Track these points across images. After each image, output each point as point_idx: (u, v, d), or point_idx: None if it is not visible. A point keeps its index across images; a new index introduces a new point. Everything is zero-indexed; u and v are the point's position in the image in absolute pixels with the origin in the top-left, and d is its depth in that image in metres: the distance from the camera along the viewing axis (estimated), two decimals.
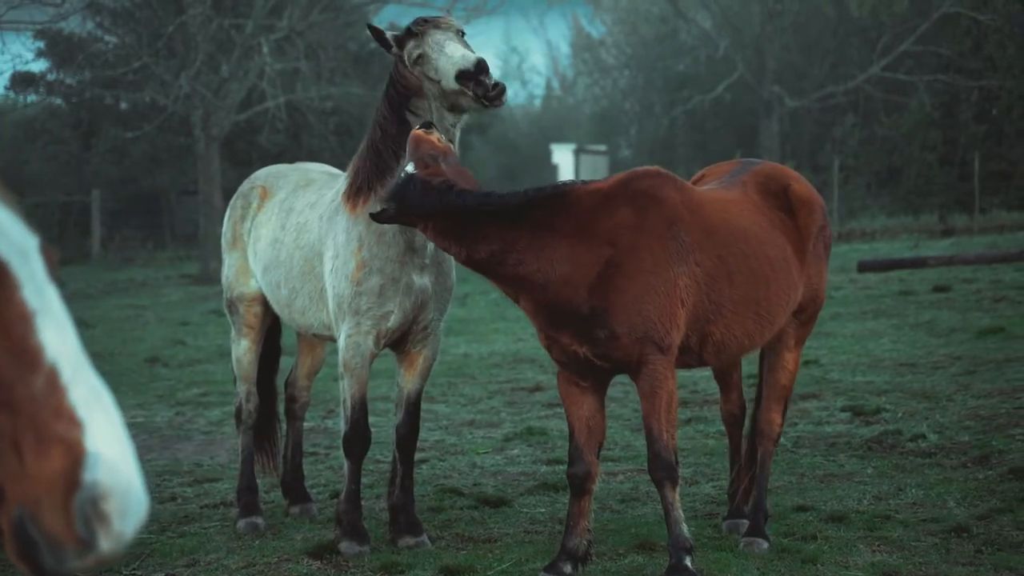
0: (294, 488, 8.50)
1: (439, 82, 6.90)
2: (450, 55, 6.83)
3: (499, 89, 6.79)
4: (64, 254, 34.63)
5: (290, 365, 8.91)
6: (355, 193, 7.29)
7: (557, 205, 6.50)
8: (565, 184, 6.68)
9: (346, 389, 7.37)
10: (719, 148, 46.05)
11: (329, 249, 7.41)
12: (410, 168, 6.48)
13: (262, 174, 8.42)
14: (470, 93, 6.76)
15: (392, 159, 7.16)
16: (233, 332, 8.39)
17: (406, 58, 7.03)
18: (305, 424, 10.94)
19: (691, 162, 46.68)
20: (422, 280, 7.25)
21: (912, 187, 38.93)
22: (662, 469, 6.60)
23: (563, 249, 6.44)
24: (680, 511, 6.66)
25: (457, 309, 21.02)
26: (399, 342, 7.49)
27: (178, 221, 39.54)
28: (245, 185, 8.41)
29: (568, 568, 6.70)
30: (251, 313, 8.23)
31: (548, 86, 66.01)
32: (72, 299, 25.51)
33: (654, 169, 6.88)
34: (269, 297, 8.01)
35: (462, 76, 6.74)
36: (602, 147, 51.96)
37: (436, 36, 6.96)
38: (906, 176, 39.90)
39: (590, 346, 6.50)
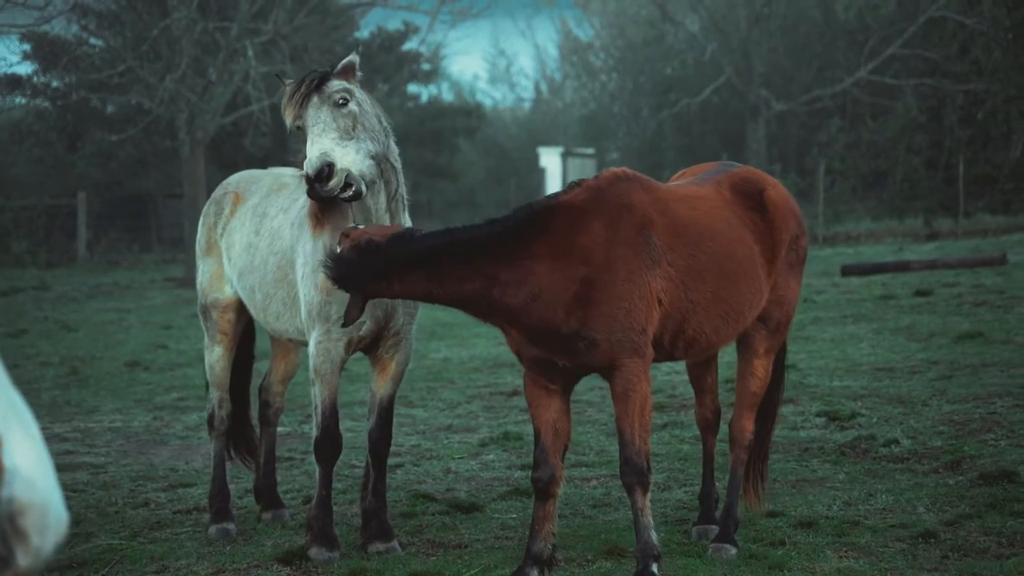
0: (267, 493, 8.50)
1: None
2: (307, 156, 6.93)
3: (348, 196, 6.93)
4: (50, 257, 34.62)
5: (264, 370, 8.90)
6: (315, 217, 7.31)
7: (531, 230, 6.48)
8: (534, 206, 6.64)
9: (317, 395, 7.41)
10: (706, 151, 46.09)
11: (300, 256, 7.44)
12: (335, 249, 6.52)
13: (234, 179, 8.43)
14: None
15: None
16: (207, 338, 8.39)
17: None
18: (281, 429, 10.96)
19: (678, 165, 46.61)
20: None
21: (897, 191, 38.99)
22: (633, 474, 6.62)
23: (542, 274, 6.42)
24: (650, 517, 6.67)
25: (440, 313, 20.96)
26: (371, 347, 7.51)
27: (164, 224, 39.50)
28: (218, 191, 8.41)
29: (534, 573, 6.72)
30: (225, 319, 8.24)
31: (536, 89, 66.10)
32: (56, 302, 25.55)
33: (621, 171, 6.86)
34: (246, 302, 8.02)
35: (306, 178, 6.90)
36: (590, 150, 51.99)
37: (297, 124, 7.11)
38: (891, 180, 39.97)
39: (569, 357, 6.53)
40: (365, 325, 7.28)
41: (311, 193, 6.89)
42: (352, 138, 7.00)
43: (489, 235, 6.44)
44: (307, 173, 6.83)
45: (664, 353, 6.88)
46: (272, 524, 8.29)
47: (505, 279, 6.39)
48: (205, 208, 8.40)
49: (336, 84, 7.08)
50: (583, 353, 6.50)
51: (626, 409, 6.57)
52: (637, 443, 6.60)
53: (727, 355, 9.86)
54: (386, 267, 6.34)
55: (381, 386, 7.59)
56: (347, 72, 7.16)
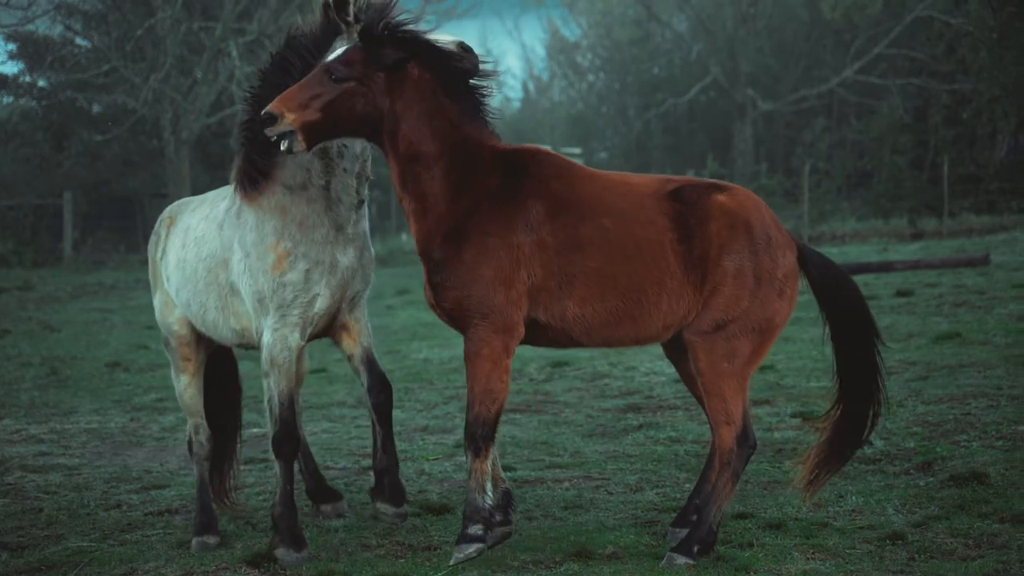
0: (319, 490, 8.49)
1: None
2: None
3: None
4: (36, 257, 34.51)
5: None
6: (250, 183, 7.44)
7: (475, 141, 6.97)
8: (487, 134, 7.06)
9: (273, 387, 7.39)
10: (693, 151, 46.21)
11: (236, 252, 7.48)
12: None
13: (171, 207, 8.53)
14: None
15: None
16: (172, 369, 8.35)
17: None
18: (256, 430, 10.96)
19: (665, 164, 46.78)
20: (345, 257, 7.44)
21: (882, 191, 39.01)
22: (468, 437, 6.96)
23: (440, 182, 6.92)
24: (479, 480, 6.93)
25: (423, 313, 21.00)
26: (327, 328, 7.59)
27: (150, 224, 39.13)
28: (157, 222, 8.48)
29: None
30: (183, 346, 8.22)
31: (524, 88, 66.03)
32: (40, 302, 25.47)
33: (542, 148, 7.18)
34: (190, 317, 8.04)
35: None
36: (577, 150, 51.97)
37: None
38: (876, 180, 40.01)
39: (432, 290, 6.97)
40: (320, 300, 7.40)
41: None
42: None
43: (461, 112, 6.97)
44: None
45: (557, 332, 7.01)
46: (332, 517, 8.22)
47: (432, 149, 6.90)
48: (150, 239, 8.44)
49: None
50: (439, 289, 6.89)
51: (472, 371, 6.90)
52: (476, 408, 6.89)
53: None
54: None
55: (354, 345, 7.67)
56: None
